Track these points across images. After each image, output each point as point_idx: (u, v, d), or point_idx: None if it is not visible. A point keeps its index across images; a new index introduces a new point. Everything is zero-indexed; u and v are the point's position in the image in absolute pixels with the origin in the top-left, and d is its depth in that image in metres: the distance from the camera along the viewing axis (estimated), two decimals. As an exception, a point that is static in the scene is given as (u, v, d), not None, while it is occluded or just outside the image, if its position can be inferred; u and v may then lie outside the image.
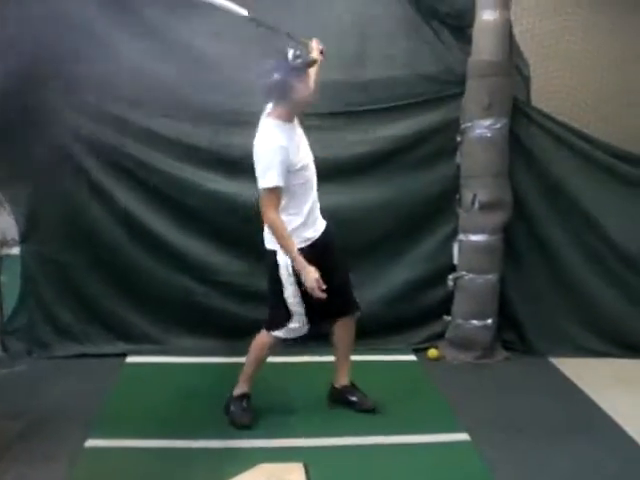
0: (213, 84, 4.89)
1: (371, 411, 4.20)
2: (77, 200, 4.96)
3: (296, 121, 3.90)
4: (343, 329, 4.17)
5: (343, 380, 4.29)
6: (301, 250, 3.81)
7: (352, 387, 4.30)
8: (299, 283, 3.84)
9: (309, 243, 3.90)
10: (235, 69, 4.81)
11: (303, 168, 3.83)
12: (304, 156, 3.87)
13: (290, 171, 3.74)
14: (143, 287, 5.10)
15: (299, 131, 3.91)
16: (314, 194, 3.95)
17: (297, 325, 3.97)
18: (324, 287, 3.70)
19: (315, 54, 4.04)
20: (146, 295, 5.11)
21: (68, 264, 5.03)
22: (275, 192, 3.72)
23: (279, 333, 4.02)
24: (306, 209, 3.89)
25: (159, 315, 5.16)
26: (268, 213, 3.73)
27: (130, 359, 5.05)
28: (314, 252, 3.86)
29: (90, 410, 4.21)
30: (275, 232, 3.77)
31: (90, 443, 3.82)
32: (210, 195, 4.96)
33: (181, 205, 4.99)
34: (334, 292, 3.87)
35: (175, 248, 5.06)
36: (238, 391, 4.17)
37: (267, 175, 3.70)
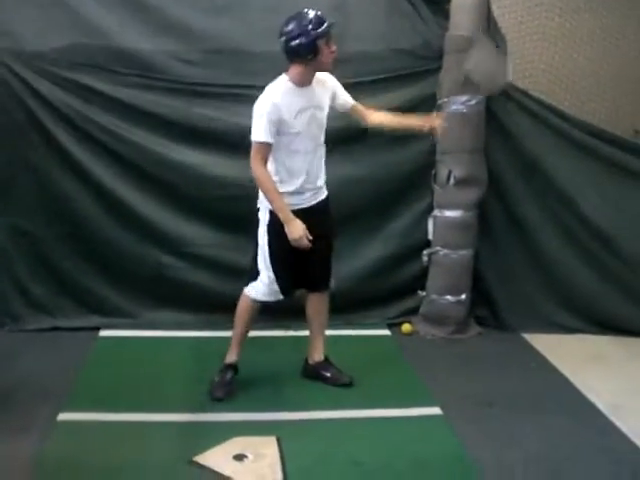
0: (188, 54, 4.84)
1: (347, 385, 4.21)
2: (49, 172, 4.90)
3: (316, 88, 3.90)
4: (316, 305, 4.18)
5: (317, 356, 4.29)
6: (272, 213, 3.90)
7: (326, 362, 4.30)
8: (270, 243, 3.92)
9: (290, 209, 3.89)
10: (213, 40, 4.79)
11: (298, 136, 3.83)
12: (304, 125, 3.85)
13: (282, 132, 3.76)
14: (116, 260, 5.06)
15: (315, 99, 3.91)
16: (308, 168, 3.93)
17: (265, 284, 4.00)
18: (310, 237, 3.74)
19: None
20: (119, 268, 5.08)
21: (40, 237, 4.98)
22: (261, 147, 3.75)
23: (251, 292, 4.05)
24: (297, 182, 3.91)
25: (132, 289, 5.13)
26: (254, 166, 3.77)
27: (103, 333, 5.02)
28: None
29: (63, 384, 4.18)
30: (260, 186, 3.80)
31: (62, 417, 3.79)
32: (183, 167, 4.91)
33: (154, 178, 4.95)
34: (309, 263, 3.97)
35: (148, 221, 5.02)
36: (227, 359, 4.19)
37: (255, 128, 3.76)
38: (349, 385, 4.20)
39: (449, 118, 4.87)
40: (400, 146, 5.09)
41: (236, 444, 3.57)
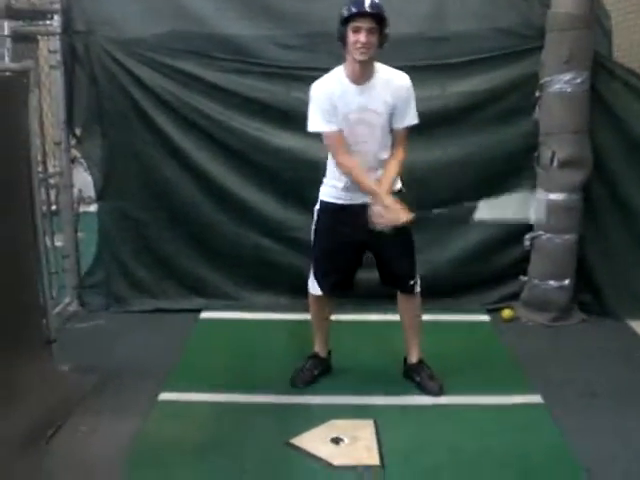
0: (285, 39, 4.87)
1: (434, 395, 3.97)
2: (151, 157, 5.02)
3: (375, 88, 3.68)
4: (401, 305, 4.04)
5: (410, 357, 4.13)
6: (322, 202, 3.90)
7: (418, 366, 4.10)
8: (315, 242, 3.93)
9: (333, 202, 3.86)
10: (309, 23, 4.79)
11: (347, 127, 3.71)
12: (352, 119, 3.69)
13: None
14: (217, 243, 5.15)
15: (368, 102, 3.69)
16: (362, 159, 3.77)
17: (311, 279, 4.01)
18: (405, 219, 3.58)
19: None
20: (220, 251, 5.17)
21: (143, 221, 5.13)
22: (326, 137, 3.72)
23: (309, 284, 4.04)
24: (344, 179, 3.79)
25: (233, 271, 5.23)
26: (335, 159, 3.74)
27: (204, 314, 5.13)
28: (334, 213, 3.87)
29: (164, 364, 4.29)
30: (348, 175, 3.72)
31: (163, 396, 3.89)
32: (281, 151, 4.96)
33: (252, 162, 5.01)
34: (379, 263, 3.94)
35: (247, 205, 5.09)
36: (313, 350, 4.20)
37: (310, 119, 3.73)
38: (437, 395, 3.97)
39: (552, 98, 4.75)
40: (502, 127, 4.99)
41: (333, 427, 3.58)
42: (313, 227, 3.97)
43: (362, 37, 3.52)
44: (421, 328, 4.09)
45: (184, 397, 3.91)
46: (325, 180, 3.91)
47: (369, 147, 3.75)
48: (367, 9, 3.50)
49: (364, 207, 3.70)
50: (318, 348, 4.18)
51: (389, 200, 3.59)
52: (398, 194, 3.82)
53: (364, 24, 3.50)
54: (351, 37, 3.53)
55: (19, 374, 3.64)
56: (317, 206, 3.95)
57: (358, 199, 3.76)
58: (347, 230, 3.82)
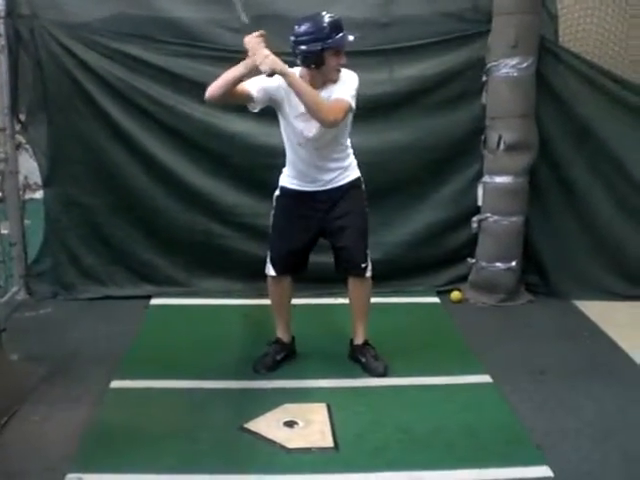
0: (233, 22, 4.81)
1: (380, 376, 3.99)
2: (99, 143, 4.96)
3: (325, 91, 3.65)
4: (351, 288, 4.05)
5: (356, 339, 4.15)
6: (281, 188, 3.94)
7: (364, 347, 4.12)
8: (272, 224, 4.00)
9: (289, 187, 3.92)
10: (256, 6, 4.77)
11: (290, 127, 3.74)
12: (296, 119, 3.70)
13: (278, 111, 3.73)
14: (166, 229, 5.12)
15: None
16: (301, 166, 3.83)
17: (268, 261, 4.04)
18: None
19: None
20: (169, 237, 5.14)
21: (91, 207, 5.06)
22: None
23: (266, 267, 4.06)
24: (295, 169, 3.87)
25: (183, 257, 5.20)
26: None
27: (155, 301, 5.10)
28: (291, 199, 3.92)
29: (115, 352, 4.25)
30: (221, 87, 3.56)
31: (115, 384, 3.86)
32: (231, 136, 4.94)
33: (202, 147, 4.99)
34: (334, 248, 3.97)
35: (198, 190, 5.07)
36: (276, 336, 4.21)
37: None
38: (382, 375, 4.00)
39: (499, 82, 4.81)
40: (449, 111, 5.05)
41: (286, 411, 3.60)
42: (272, 212, 4.00)
43: (343, 59, 3.65)
44: (369, 311, 4.12)
45: (136, 384, 3.88)
46: (284, 168, 3.94)
47: (314, 150, 3.78)
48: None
49: (321, 193, 3.83)
50: (280, 333, 4.18)
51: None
52: (356, 182, 3.91)
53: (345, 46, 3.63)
54: (333, 60, 3.61)
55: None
56: (277, 192, 3.98)
57: (314, 186, 3.84)
58: (304, 215, 3.89)
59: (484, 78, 4.93)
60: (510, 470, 3.14)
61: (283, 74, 3.47)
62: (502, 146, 4.90)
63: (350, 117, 3.76)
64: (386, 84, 4.94)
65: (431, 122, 5.05)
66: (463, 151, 5.14)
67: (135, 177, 5.03)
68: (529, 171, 4.99)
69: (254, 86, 3.63)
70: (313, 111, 3.54)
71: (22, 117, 4.96)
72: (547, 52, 4.91)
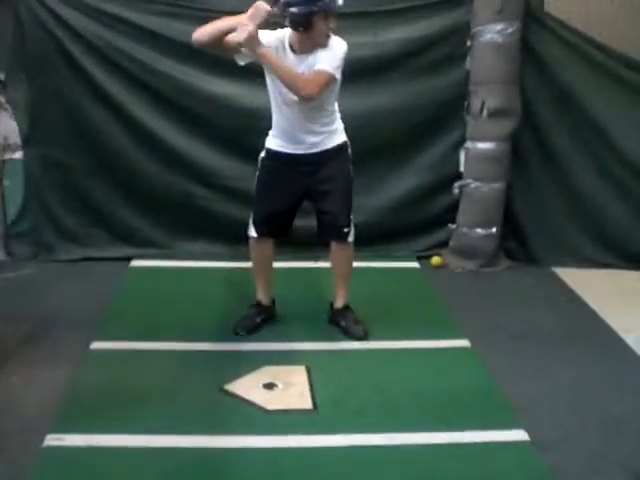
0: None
1: (360, 339, 4.03)
2: (79, 103, 4.90)
3: (312, 57, 3.63)
4: (333, 254, 4.06)
5: (335, 303, 4.18)
6: (266, 150, 3.92)
7: (344, 311, 4.15)
8: (257, 185, 3.98)
9: (275, 149, 3.90)
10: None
11: (277, 87, 3.69)
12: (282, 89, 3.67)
13: (265, 68, 3.66)
14: (147, 191, 5.09)
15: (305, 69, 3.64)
16: (287, 126, 3.80)
17: (251, 223, 4.02)
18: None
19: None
20: (150, 199, 5.11)
21: (71, 168, 5.02)
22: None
23: (249, 228, 4.05)
24: (281, 130, 3.84)
25: (163, 219, 5.18)
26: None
27: (134, 263, 5.09)
28: (276, 161, 3.90)
29: (95, 313, 4.25)
30: (211, 33, 3.56)
31: (95, 345, 3.86)
32: (213, 98, 4.90)
33: (184, 108, 4.94)
34: (317, 213, 3.98)
35: (179, 152, 5.03)
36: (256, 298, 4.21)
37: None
38: (362, 339, 4.03)
39: (483, 47, 4.79)
40: (433, 76, 5.02)
41: (266, 373, 3.62)
42: (257, 173, 3.98)
43: (333, 24, 3.60)
44: (350, 276, 4.13)
45: (116, 345, 3.89)
46: (270, 130, 3.92)
47: (299, 112, 3.74)
48: None
49: (307, 156, 3.82)
50: (261, 296, 4.18)
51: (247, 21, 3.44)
52: (343, 146, 3.90)
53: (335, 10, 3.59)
54: (322, 25, 3.56)
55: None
56: (262, 154, 3.95)
57: (300, 149, 3.82)
58: (288, 177, 3.88)
59: (468, 43, 4.90)
60: (487, 433, 3.19)
61: (253, 52, 3.48)
62: (485, 112, 4.89)
63: (337, 84, 3.73)
64: (370, 47, 4.90)
65: (414, 87, 5.02)
66: (446, 116, 5.12)
67: (116, 138, 4.98)
68: (511, 137, 4.99)
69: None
70: (288, 86, 3.55)
71: (1, 76, 4.88)
72: (532, 18, 4.88)
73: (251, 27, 3.41)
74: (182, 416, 3.26)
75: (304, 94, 3.54)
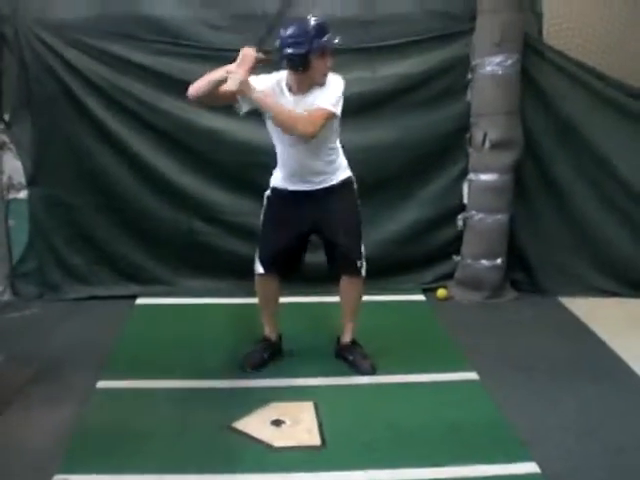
0: (217, 20, 4.86)
1: (367, 374, 4.00)
2: (82, 142, 4.94)
3: (310, 97, 3.65)
4: (342, 287, 4.05)
5: (344, 337, 4.16)
6: (272, 188, 3.95)
7: (352, 346, 4.14)
8: (263, 223, 3.98)
9: (280, 187, 3.92)
10: (240, 4, 4.78)
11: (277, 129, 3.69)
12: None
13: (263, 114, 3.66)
14: (151, 229, 5.11)
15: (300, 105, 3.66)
16: (292, 164, 3.82)
17: (257, 260, 4.02)
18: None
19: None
20: (154, 237, 5.13)
21: (76, 207, 5.05)
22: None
23: (255, 265, 4.04)
24: (286, 170, 3.86)
25: (168, 257, 5.19)
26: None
27: (140, 301, 5.09)
28: (282, 198, 3.92)
29: (101, 352, 4.24)
30: (203, 87, 3.59)
31: (101, 384, 3.85)
32: (214, 134, 4.94)
33: (186, 145, 4.98)
34: (325, 247, 3.99)
35: (180, 188, 5.06)
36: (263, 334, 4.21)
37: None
38: (370, 374, 4.00)
39: (484, 80, 4.82)
40: (434, 109, 5.05)
41: (273, 410, 3.60)
42: (262, 210, 3.99)
43: (330, 62, 3.64)
44: (359, 310, 4.12)
45: (123, 384, 3.87)
46: (275, 170, 3.95)
47: (301, 154, 3.76)
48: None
49: (312, 192, 3.84)
50: (267, 332, 4.17)
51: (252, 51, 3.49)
52: (348, 180, 3.92)
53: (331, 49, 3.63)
54: (319, 63, 3.58)
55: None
56: (268, 192, 3.97)
57: (306, 186, 3.84)
58: (295, 213, 3.87)
59: (469, 76, 4.94)
60: (497, 467, 3.15)
61: (248, 98, 3.52)
62: (487, 144, 4.91)
63: (337, 121, 3.74)
64: (370, 83, 4.94)
65: (416, 120, 5.05)
66: (448, 149, 5.15)
67: (119, 176, 5.01)
68: (514, 168, 5.00)
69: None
70: (287, 127, 3.57)
71: (6, 117, 4.93)
72: (532, 50, 4.92)
73: (240, 74, 3.43)
74: (190, 455, 3.24)
75: (303, 133, 3.55)
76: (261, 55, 3.51)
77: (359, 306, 4.11)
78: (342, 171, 3.91)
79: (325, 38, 3.57)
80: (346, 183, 3.92)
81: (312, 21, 3.58)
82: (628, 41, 5.21)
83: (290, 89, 3.69)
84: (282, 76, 3.70)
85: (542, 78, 4.99)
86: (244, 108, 3.69)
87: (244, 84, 3.45)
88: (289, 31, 3.54)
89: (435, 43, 4.98)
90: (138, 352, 4.29)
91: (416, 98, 5.03)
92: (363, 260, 3.97)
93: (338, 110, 3.65)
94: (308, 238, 4.02)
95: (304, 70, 3.58)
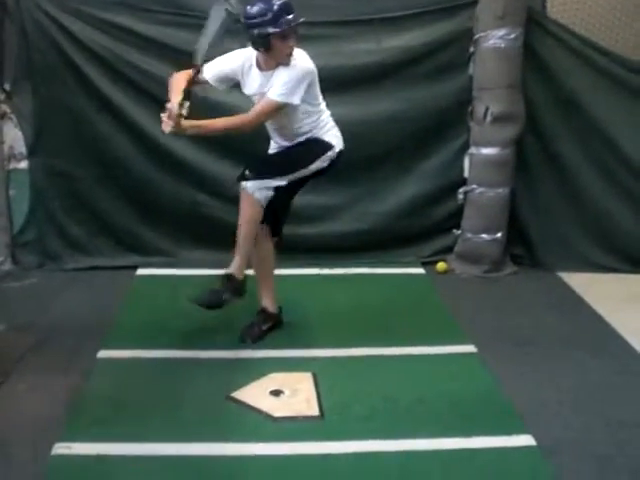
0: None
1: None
2: (84, 112, 4.93)
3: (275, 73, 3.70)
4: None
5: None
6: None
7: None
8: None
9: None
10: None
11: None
12: (253, 97, 3.84)
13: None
14: (152, 199, 5.11)
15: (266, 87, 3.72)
16: (276, 136, 3.98)
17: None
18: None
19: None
20: (155, 207, 5.13)
21: (77, 177, 5.04)
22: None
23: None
24: (272, 139, 4.04)
25: (169, 227, 5.20)
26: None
27: (141, 271, 5.10)
28: None
29: (102, 322, 4.25)
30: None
31: (102, 354, 3.87)
32: (218, 107, 4.87)
33: (189, 117, 4.94)
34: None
35: (183, 160, 5.05)
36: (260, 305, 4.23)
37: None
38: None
39: (486, 53, 4.80)
40: (436, 82, 5.03)
41: (272, 380, 3.62)
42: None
43: (292, 42, 3.63)
44: (245, 242, 4.11)
45: (123, 354, 3.90)
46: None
47: (276, 132, 3.92)
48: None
49: None
50: (266, 303, 4.19)
51: (176, 107, 3.63)
52: (321, 140, 3.90)
53: (293, 29, 3.62)
54: (281, 45, 3.60)
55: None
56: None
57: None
58: None
59: (472, 49, 4.92)
60: (494, 439, 3.17)
61: (184, 134, 3.79)
62: (489, 117, 4.90)
63: (300, 106, 3.72)
64: (374, 54, 4.92)
65: (418, 93, 5.04)
66: (450, 122, 5.13)
67: (120, 147, 5.01)
68: (516, 142, 4.99)
69: (211, 73, 3.87)
70: (237, 131, 3.89)
71: (7, 86, 4.91)
72: (535, 23, 4.90)
73: (169, 125, 3.63)
74: (189, 424, 3.26)
75: (250, 128, 3.78)
76: (182, 109, 3.66)
77: (245, 234, 4.05)
78: (326, 137, 3.91)
79: (285, 19, 3.55)
80: (319, 141, 3.90)
81: (277, 2, 3.56)
82: (632, 16, 5.18)
83: (259, 66, 3.74)
84: (253, 53, 3.74)
85: (545, 52, 4.97)
86: (222, 88, 3.94)
87: (175, 131, 3.67)
88: (252, 10, 3.57)
89: (438, 15, 4.96)
90: (138, 322, 4.31)
91: (418, 71, 5.01)
92: (262, 182, 3.88)
93: (288, 99, 3.65)
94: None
95: (266, 50, 3.62)
